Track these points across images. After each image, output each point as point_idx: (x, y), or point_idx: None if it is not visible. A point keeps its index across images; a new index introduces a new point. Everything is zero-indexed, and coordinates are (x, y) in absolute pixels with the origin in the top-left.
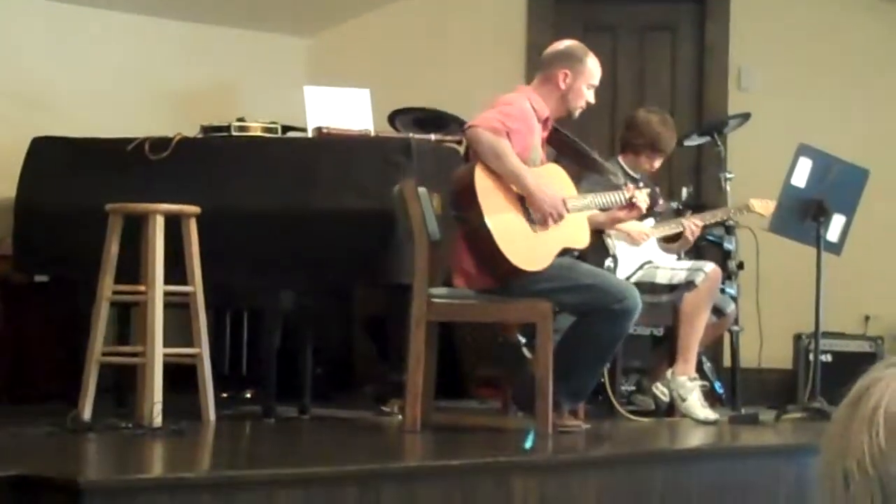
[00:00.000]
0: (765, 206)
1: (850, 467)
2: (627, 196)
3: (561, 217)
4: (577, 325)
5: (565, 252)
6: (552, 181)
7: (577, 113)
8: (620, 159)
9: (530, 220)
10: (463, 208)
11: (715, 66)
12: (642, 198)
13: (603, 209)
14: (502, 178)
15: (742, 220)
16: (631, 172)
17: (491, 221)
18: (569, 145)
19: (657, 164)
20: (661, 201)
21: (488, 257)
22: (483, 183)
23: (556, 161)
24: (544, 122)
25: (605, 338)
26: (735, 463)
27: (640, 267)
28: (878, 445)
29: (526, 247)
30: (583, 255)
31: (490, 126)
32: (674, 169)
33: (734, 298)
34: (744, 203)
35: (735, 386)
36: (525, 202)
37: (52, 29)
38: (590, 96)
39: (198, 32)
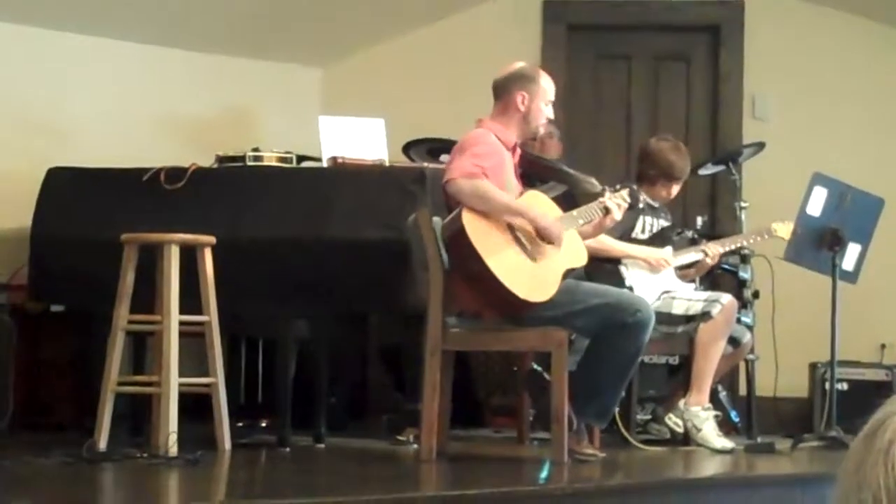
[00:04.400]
0: (787, 230)
1: (865, 501)
2: (601, 206)
3: (563, 239)
4: (594, 346)
5: (568, 273)
6: (539, 207)
7: (540, 131)
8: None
9: (526, 252)
10: (460, 256)
11: (729, 95)
12: (614, 202)
13: (587, 221)
14: (490, 217)
15: (758, 247)
16: (650, 202)
17: (492, 262)
18: (537, 164)
19: (674, 191)
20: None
21: (496, 298)
22: (473, 227)
23: (532, 184)
24: (513, 150)
25: (624, 354)
26: (751, 492)
27: (658, 297)
28: (894, 479)
29: (531, 278)
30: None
31: (466, 173)
32: (688, 198)
33: (750, 327)
34: (766, 227)
35: (751, 415)
36: (517, 233)
37: (68, 60)
38: (549, 112)
39: (212, 63)
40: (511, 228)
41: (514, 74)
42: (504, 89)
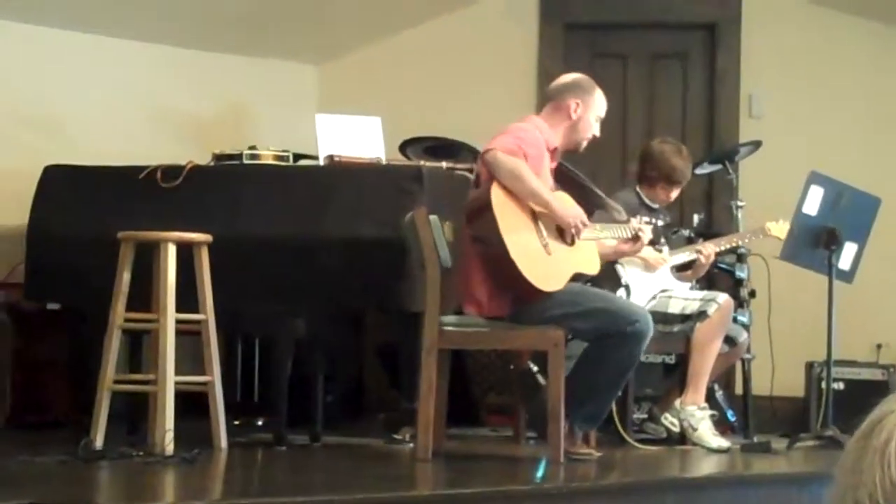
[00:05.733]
0: (781, 229)
1: (861, 500)
2: (632, 229)
3: (583, 227)
4: (590, 351)
5: (576, 278)
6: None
7: (583, 145)
8: (638, 189)
9: (544, 243)
10: (480, 227)
11: (725, 94)
12: (647, 233)
13: (614, 238)
14: (519, 199)
15: (754, 246)
16: (648, 203)
17: (508, 239)
18: (574, 180)
19: (673, 194)
20: (662, 239)
21: (504, 277)
22: (500, 201)
23: None
24: (552, 153)
25: (619, 362)
26: (747, 491)
27: (655, 296)
28: (890, 478)
29: (541, 267)
30: (595, 284)
31: (507, 149)
32: (685, 197)
33: (746, 326)
34: (759, 227)
35: (747, 414)
36: (539, 223)
37: (65, 57)
38: (596, 129)
39: (209, 60)
40: (534, 216)
41: (572, 83)
42: (559, 94)
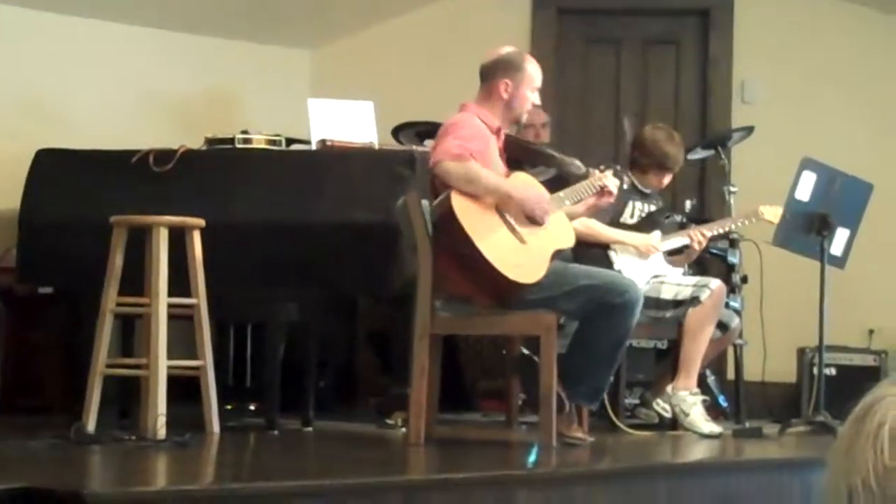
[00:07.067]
0: (774, 213)
1: (854, 484)
2: (597, 183)
3: (548, 208)
4: (583, 327)
5: (556, 255)
6: (525, 188)
7: (524, 117)
8: (630, 175)
9: (515, 234)
10: (450, 236)
11: (718, 80)
12: (611, 181)
13: (576, 202)
14: (479, 199)
15: (746, 232)
16: (640, 188)
17: (482, 245)
18: (522, 147)
19: (666, 180)
20: (625, 177)
21: (486, 279)
22: (463, 209)
23: (520, 167)
24: (497, 133)
25: (613, 335)
26: (739, 477)
27: (647, 282)
28: (883, 462)
29: (520, 260)
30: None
31: (454, 155)
32: (677, 182)
33: (738, 312)
34: (753, 210)
35: (739, 399)
36: (505, 214)
37: (56, 41)
38: (535, 98)
39: (202, 45)
40: (498, 210)
41: (499, 61)
42: (489, 75)
